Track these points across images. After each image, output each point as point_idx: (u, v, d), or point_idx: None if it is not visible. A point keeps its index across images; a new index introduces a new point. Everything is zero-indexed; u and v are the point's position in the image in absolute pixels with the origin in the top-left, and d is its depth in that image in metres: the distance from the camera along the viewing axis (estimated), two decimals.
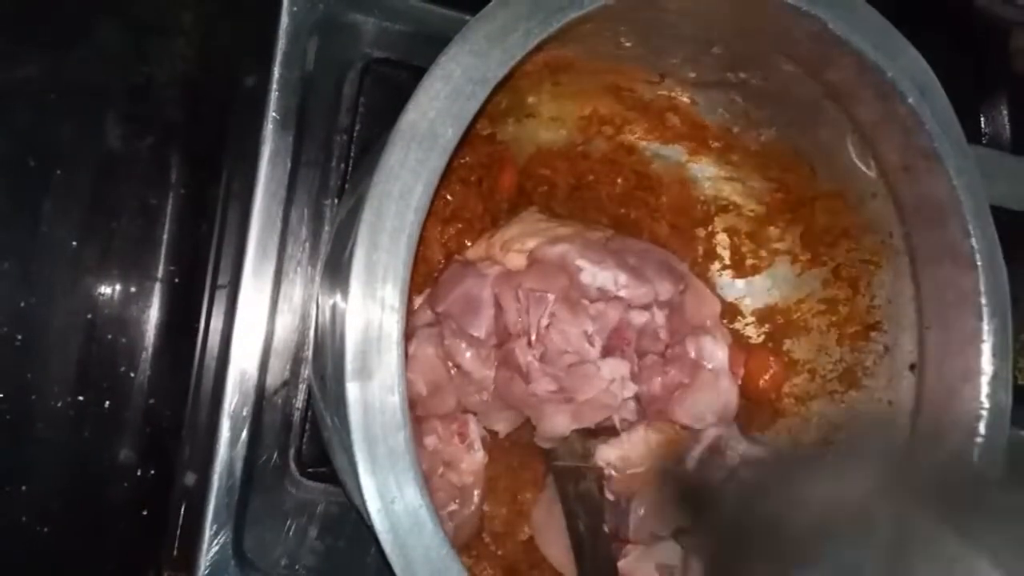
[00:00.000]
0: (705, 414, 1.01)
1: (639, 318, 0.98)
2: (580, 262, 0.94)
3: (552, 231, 0.97)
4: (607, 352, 0.96)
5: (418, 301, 0.97)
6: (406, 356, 0.89)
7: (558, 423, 0.95)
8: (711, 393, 1.02)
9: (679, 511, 0.98)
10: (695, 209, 1.13)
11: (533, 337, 0.93)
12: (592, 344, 0.94)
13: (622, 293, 0.95)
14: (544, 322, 0.93)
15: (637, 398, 1.02)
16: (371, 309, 0.70)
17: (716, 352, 1.03)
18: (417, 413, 0.94)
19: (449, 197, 0.98)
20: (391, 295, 0.70)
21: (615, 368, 0.95)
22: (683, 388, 1.01)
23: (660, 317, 1.00)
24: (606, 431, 0.99)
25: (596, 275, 0.95)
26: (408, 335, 0.93)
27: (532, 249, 0.96)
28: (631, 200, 1.10)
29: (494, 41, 0.75)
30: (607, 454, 0.98)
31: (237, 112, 1.03)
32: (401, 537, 0.71)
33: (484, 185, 1.00)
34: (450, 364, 0.95)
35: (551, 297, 0.93)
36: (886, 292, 1.01)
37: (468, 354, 0.95)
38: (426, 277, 0.97)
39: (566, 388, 0.94)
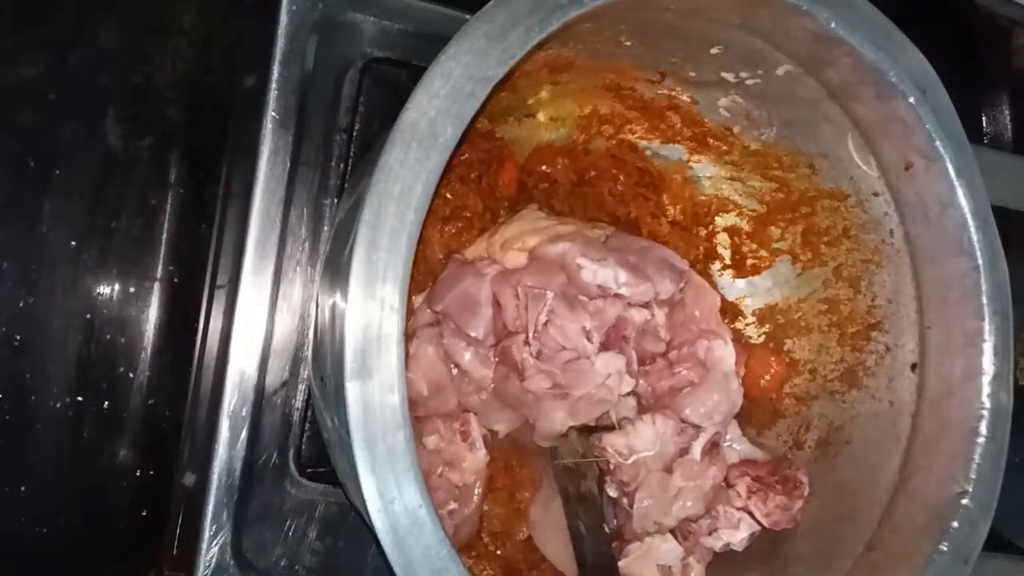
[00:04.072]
0: (713, 414, 1.01)
1: (639, 316, 0.98)
2: (580, 260, 0.94)
3: (552, 229, 0.97)
4: (605, 348, 0.95)
5: (418, 300, 0.97)
6: (407, 356, 0.90)
7: (555, 420, 0.95)
8: (721, 394, 1.02)
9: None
10: (696, 208, 1.12)
11: (531, 334, 0.92)
12: (590, 340, 0.94)
13: (622, 291, 0.95)
14: (542, 319, 0.92)
15: (637, 395, 1.02)
16: (371, 308, 0.70)
17: (726, 355, 1.03)
18: (418, 413, 0.94)
19: (449, 195, 0.98)
20: (391, 294, 0.70)
21: (610, 363, 0.95)
22: (692, 388, 1.02)
23: (660, 316, 1.00)
24: (606, 429, 0.99)
25: (596, 273, 0.94)
26: (409, 335, 0.93)
27: (532, 248, 0.95)
28: (632, 198, 1.10)
29: (494, 40, 0.74)
30: (614, 441, 0.98)
31: (237, 112, 1.03)
32: (401, 537, 0.70)
33: (484, 182, 1.00)
34: (450, 363, 0.95)
35: (549, 294, 0.93)
36: (887, 292, 1.00)
37: (467, 354, 0.95)
38: (426, 276, 0.97)
39: (561, 384, 0.94)
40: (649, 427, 0.99)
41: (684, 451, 1.00)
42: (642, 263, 0.98)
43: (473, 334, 0.93)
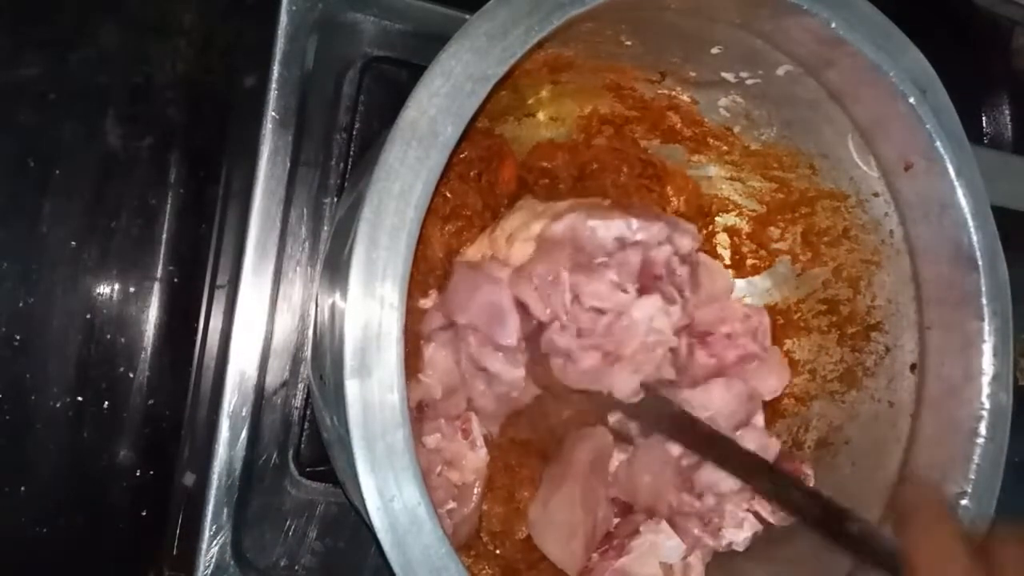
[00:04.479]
0: (777, 388, 1.07)
1: (661, 254, 0.97)
2: (591, 223, 0.94)
3: (552, 210, 0.97)
4: (642, 292, 0.96)
5: (424, 303, 0.97)
6: (422, 360, 0.90)
7: (625, 383, 0.95)
8: (781, 369, 1.08)
9: None
10: (699, 202, 1.12)
11: (563, 318, 0.93)
12: (626, 290, 0.94)
13: (638, 236, 0.96)
14: (568, 299, 0.93)
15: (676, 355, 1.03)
16: (370, 307, 0.70)
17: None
18: (427, 415, 0.94)
19: (448, 194, 0.97)
20: (391, 293, 0.70)
21: (646, 307, 0.95)
22: (760, 361, 1.06)
23: (682, 271, 1.00)
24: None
25: (610, 227, 0.95)
26: (423, 339, 0.93)
27: (538, 234, 0.95)
28: (636, 189, 1.09)
29: (494, 38, 0.74)
30: (690, 396, 1.01)
31: (237, 112, 1.03)
32: (400, 535, 0.70)
33: (483, 180, 1.00)
34: (466, 365, 0.95)
35: (565, 275, 0.93)
36: (887, 292, 1.01)
37: (497, 360, 0.95)
38: (426, 275, 0.97)
39: (611, 350, 0.94)
40: (720, 389, 1.01)
41: (744, 422, 1.02)
42: (655, 218, 0.98)
43: (507, 343, 0.94)
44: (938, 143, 0.91)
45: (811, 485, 1.02)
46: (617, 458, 1.03)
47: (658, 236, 0.97)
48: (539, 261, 0.94)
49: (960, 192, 0.91)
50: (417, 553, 0.71)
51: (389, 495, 0.70)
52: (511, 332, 0.94)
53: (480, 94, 0.74)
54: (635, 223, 0.96)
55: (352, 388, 0.69)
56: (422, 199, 0.71)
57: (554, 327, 0.93)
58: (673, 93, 1.03)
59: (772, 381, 1.07)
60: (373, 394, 0.70)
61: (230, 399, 0.93)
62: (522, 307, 0.94)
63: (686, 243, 0.99)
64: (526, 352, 0.96)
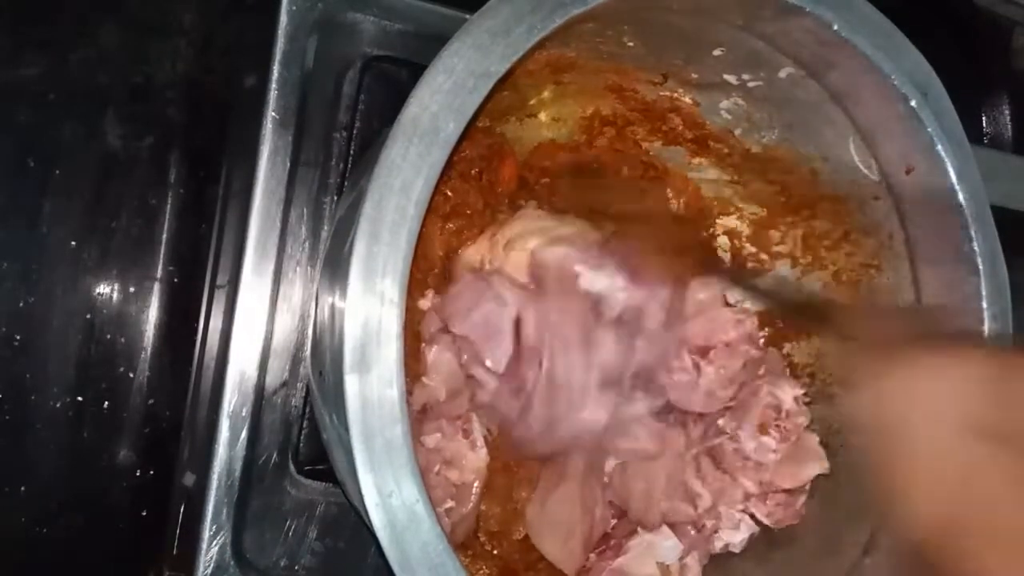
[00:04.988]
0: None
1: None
2: (579, 267, 0.94)
3: (553, 230, 0.97)
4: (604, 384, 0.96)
5: (423, 303, 0.97)
6: (426, 362, 0.90)
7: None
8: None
9: None
10: (700, 203, 1.12)
11: (545, 362, 0.93)
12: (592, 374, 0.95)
13: (619, 295, 0.96)
14: (558, 345, 0.93)
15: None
16: (370, 303, 0.70)
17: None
18: (428, 415, 0.94)
19: (449, 193, 0.97)
20: (391, 289, 0.70)
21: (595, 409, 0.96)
22: (765, 366, 1.07)
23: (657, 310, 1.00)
24: None
25: (594, 280, 0.95)
26: (425, 341, 0.93)
27: (533, 249, 0.95)
28: (636, 191, 1.09)
29: (497, 36, 0.75)
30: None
31: (237, 112, 1.03)
32: (398, 532, 0.70)
33: (484, 179, 1.00)
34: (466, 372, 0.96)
35: (568, 331, 0.94)
36: (886, 296, 1.00)
37: (484, 369, 0.95)
38: (426, 273, 0.97)
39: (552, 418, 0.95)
40: None
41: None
42: (642, 267, 0.98)
43: (492, 366, 0.94)
44: (939, 146, 0.90)
45: (807, 486, 1.03)
46: (613, 459, 1.03)
47: (638, 300, 0.97)
48: (554, 302, 0.95)
49: (961, 196, 0.91)
50: (415, 550, 0.71)
51: (387, 491, 0.70)
52: (500, 357, 0.94)
53: (482, 91, 0.74)
54: (620, 282, 0.96)
55: (351, 384, 0.69)
56: (423, 195, 0.71)
57: (533, 362, 0.95)
58: (675, 95, 1.03)
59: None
60: (372, 390, 0.69)
61: (230, 399, 0.93)
62: (520, 324, 0.94)
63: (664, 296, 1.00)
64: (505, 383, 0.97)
